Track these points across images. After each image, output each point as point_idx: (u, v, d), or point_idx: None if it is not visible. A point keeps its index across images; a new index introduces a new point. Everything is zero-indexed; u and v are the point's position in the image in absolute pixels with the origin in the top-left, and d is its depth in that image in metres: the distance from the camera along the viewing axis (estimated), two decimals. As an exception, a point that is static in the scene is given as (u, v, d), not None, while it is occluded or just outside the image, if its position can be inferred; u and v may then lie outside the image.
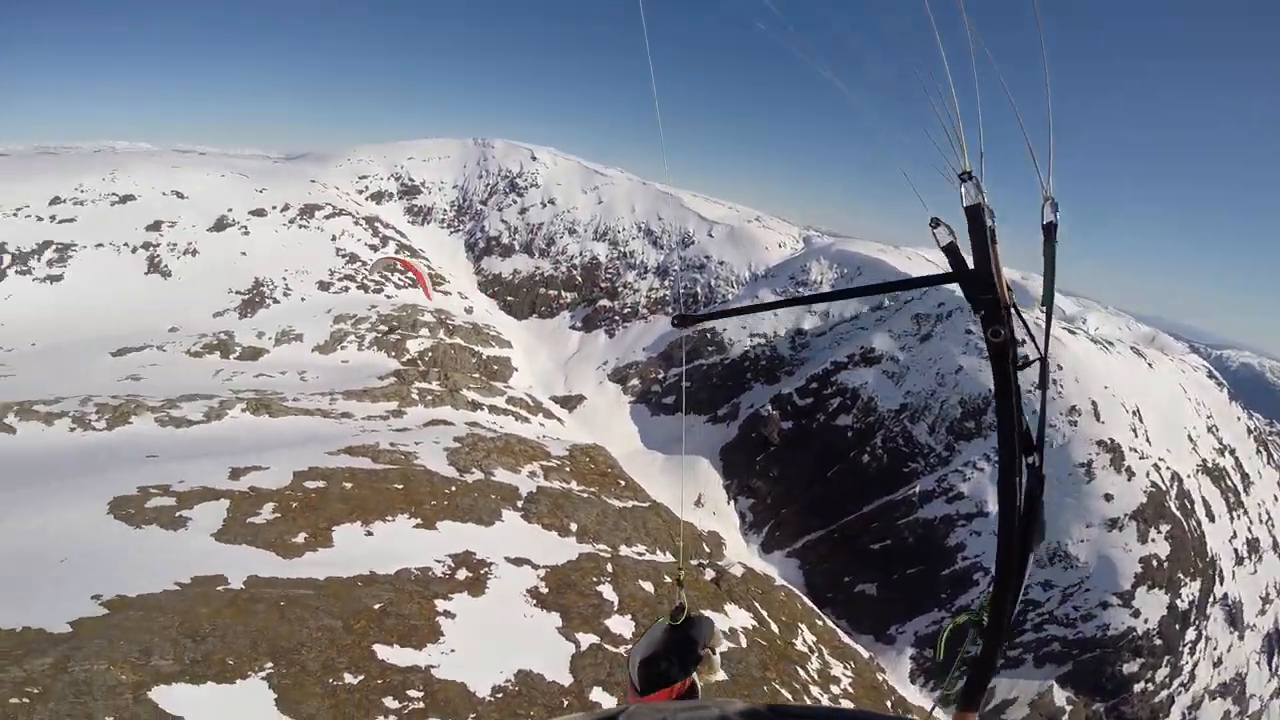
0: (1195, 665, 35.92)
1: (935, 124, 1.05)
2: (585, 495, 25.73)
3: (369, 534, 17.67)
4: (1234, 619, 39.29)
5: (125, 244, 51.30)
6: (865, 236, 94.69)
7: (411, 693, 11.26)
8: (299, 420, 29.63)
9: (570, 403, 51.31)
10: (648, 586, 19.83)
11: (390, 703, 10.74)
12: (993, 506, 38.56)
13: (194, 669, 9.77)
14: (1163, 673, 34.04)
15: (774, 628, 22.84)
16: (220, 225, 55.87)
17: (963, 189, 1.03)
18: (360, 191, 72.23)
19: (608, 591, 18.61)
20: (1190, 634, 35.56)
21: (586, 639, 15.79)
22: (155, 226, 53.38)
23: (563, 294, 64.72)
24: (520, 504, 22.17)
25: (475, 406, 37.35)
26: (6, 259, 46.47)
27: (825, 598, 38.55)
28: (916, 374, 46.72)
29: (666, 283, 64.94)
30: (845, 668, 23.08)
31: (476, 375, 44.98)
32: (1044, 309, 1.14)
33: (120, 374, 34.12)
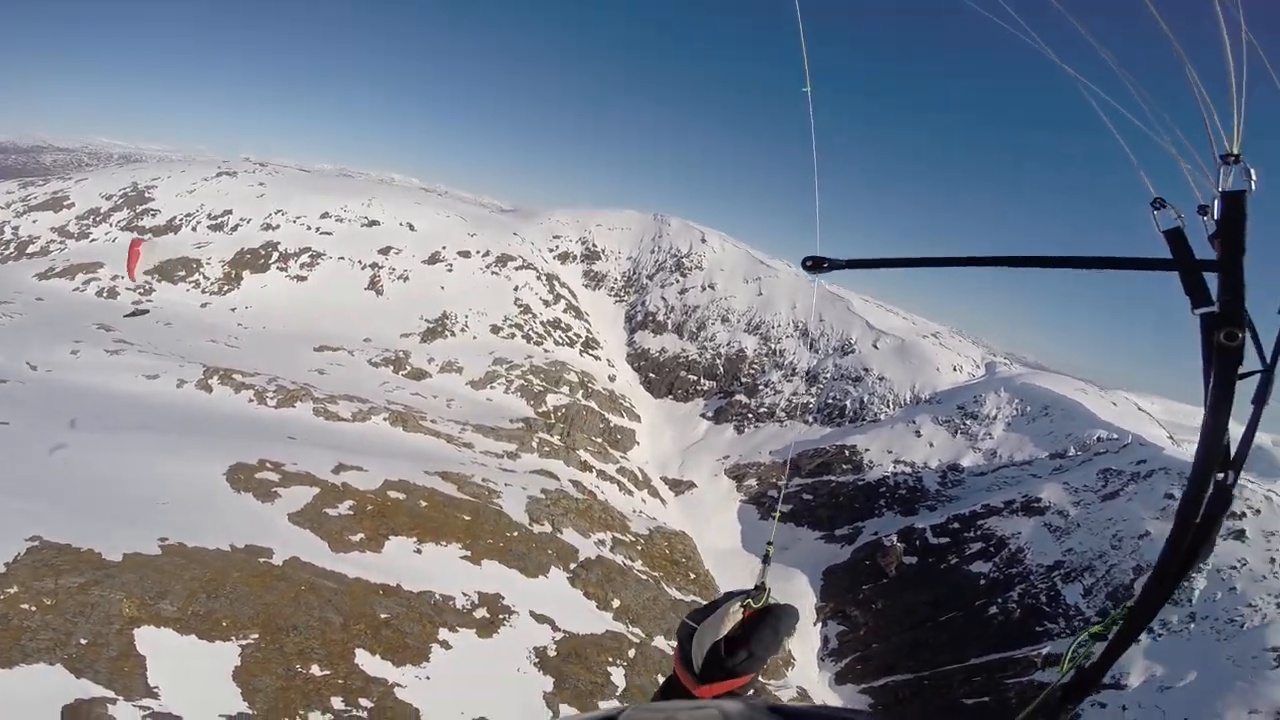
0: None
1: (1189, 98, 0.98)
2: (644, 577, 25.16)
3: (417, 551, 18.97)
4: None
5: (359, 261, 62.02)
6: (1065, 370, 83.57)
7: (364, 701, 11.74)
8: (425, 439, 32.96)
9: (680, 487, 50.63)
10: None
11: (337, 703, 11.30)
12: (1134, 681, 32.81)
13: (190, 621, 11.22)
14: None
15: None
16: (432, 259, 65.40)
17: (1222, 171, 0.95)
18: (550, 250, 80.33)
19: (618, 675, 17.91)
20: None
21: (568, 711, 15.28)
22: (385, 250, 63.95)
23: (702, 381, 65.07)
24: (573, 566, 22.35)
25: (585, 468, 38.59)
26: (275, 255, 58.83)
27: (885, 745, 33.42)
28: (1086, 532, 39.99)
29: (813, 390, 62.49)
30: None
31: (598, 440, 46.56)
32: None
33: (312, 365, 40.90)
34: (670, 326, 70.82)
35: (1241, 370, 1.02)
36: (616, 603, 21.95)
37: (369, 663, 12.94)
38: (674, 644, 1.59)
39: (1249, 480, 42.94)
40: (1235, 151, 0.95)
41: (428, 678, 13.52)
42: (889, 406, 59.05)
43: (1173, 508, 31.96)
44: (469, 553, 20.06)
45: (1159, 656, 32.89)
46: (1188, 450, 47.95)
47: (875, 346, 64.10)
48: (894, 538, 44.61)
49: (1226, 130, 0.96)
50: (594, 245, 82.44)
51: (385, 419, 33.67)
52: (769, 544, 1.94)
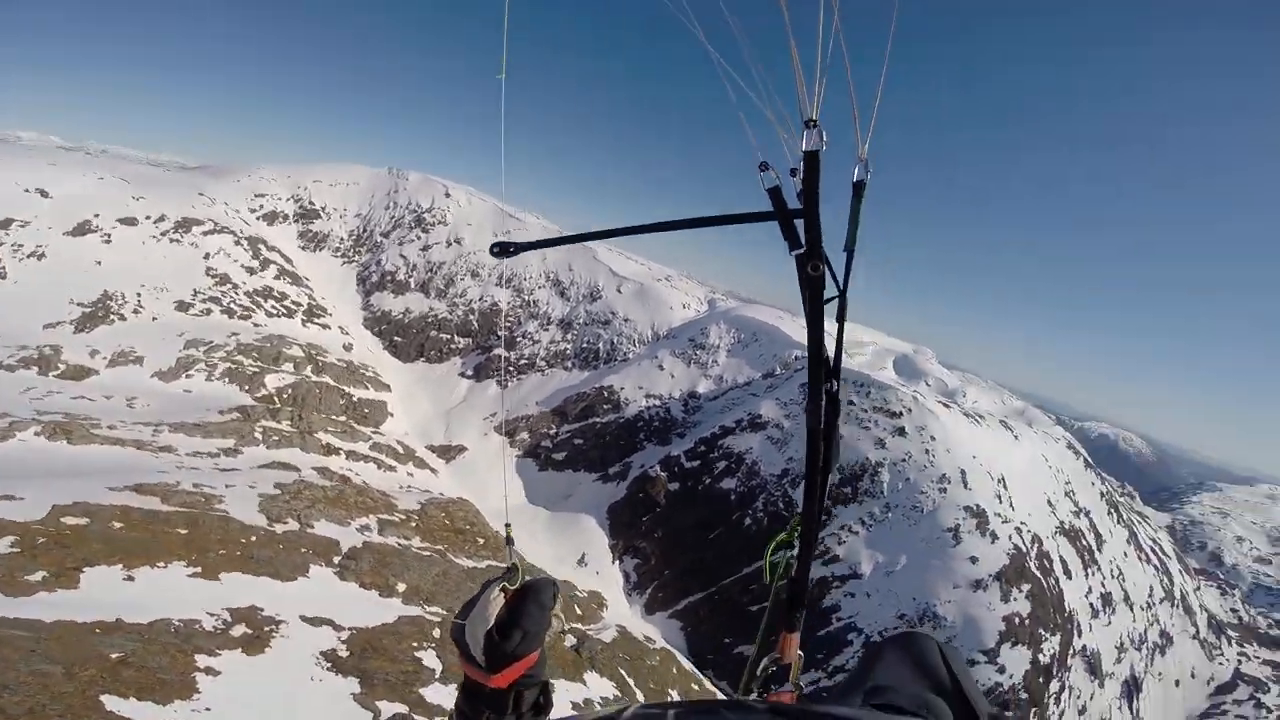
0: (1062, 715, 36.92)
1: (782, 72, 1.16)
2: (426, 553, 23.61)
3: (129, 579, 15.20)
4: (1094, 669, 40.98)
5: (-44, 240, 45.20)
6: (770, 302, 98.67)
7: (140, 748, 9.06)
8: (104, 450, 25.91)
9: (449, 453, 48.39)
10: (485, 654, 18.06)
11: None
12: (866, 570, 39.49)
13: None
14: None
15: (639, 696, 21.53)
16: (81, 230, 50.42)
17: (805, 134, 1.11)
18: (253, 210, 67.90)
19: (429, 658, 16.77)
20: (1054, 685, 36.71)
21: (390, 708, 13.93)
22: (4, 224, 47.53)
23: (456, 339, 62.30)
24: (337, 560, 19.93)
25: (330, 451, 34.29)
26: None
27: (707, 659, 37.34)
28: (799, 440, 47.50)
29: (569, 336, 64.10)
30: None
31: (340, 418, 41.69)
32: (846, 252, 1.26)
33: (-108, 382, 28.98)
34: (414, 285, 65.94)
35: (826, 295, 1.26)
36: (402, 586, 20.30)
37: (125, 707, 10.41)
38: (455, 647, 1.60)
39: (900, 384, 54.89)
40: (814, 117, 1.12)
41: (208, 709, 11.27)
42: (635, 345, 63.42)
43: (855, 410, 39.30)
44: (198, 569, 16.64)
45: (877, 545, 40.47)
46: (859, 361, 60.41)
47: (619, 291, 67.86)
48: (657, 468, 48.68)
49: (811, 100, 1.12)
50: (311, 203, 71.89)
51: (38, 433, 25.68)
52: (507, 525, 1.94)
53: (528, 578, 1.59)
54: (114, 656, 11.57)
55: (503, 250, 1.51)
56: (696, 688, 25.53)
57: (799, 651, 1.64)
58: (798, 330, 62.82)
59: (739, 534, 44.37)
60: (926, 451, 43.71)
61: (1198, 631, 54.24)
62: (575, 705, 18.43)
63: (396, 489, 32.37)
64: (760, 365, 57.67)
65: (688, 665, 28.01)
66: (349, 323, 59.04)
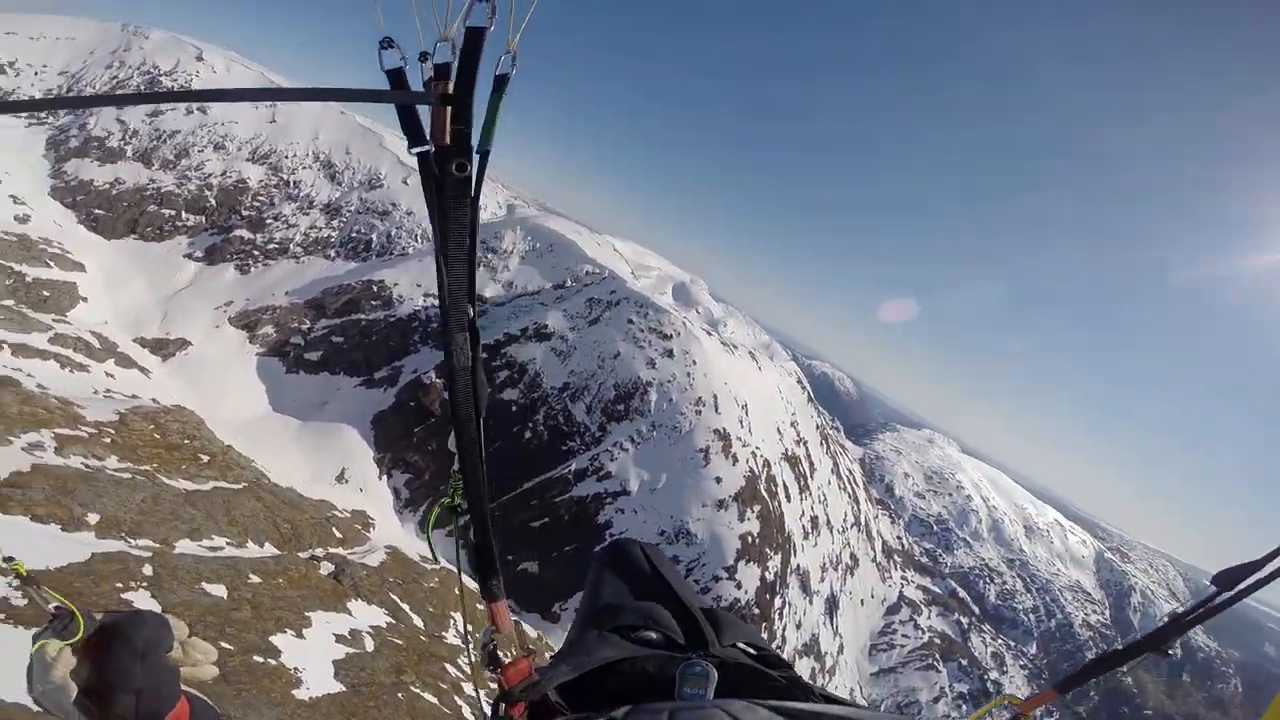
0: (784, 629, 41.27)
1: None
2: (127, 475, 19.68)
3: None
4: (805, 586, 45.82)
5: None
6: (572, 215, 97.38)
7: None
8: None
9: (166, 348, 40.24)
10: (217, 590, 15.74)
11: None
12: (634, 485, 40.47)
13: None
14: (764, 638, 39.30)
15: (417, 621, 20.58)
16: None
17: (474, 8, 0.95)
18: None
19: (143, 599, 14.13)
20: (778, 601, 40.48)
21: None
22: None
23: (184, 215, 51.44)
24: (-4, 487, 15.59)
25: (-8, 346, 26.45)
26: None
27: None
28: (582, 354, 47.63)
29: (335, 223, 56.43)
30: (508, 652, 22.15)
31: (7, 301, 32.28)
32: (479, 154, 1.05)
33: None
34: (131, 154, 53.41)
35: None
36: (94, 518, 16.71)
37: None
38: None
39: (675, 309, 57.10)
40: None
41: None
42: (416, 240, 58.45)
43: (633, 330, 40.08)
44: None
45: (643, 464, 41.29)
46: (644, 284, 61.90)
47: (405, 183, 61.75)
48: (432, 374, 45.95)
49: None
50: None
51: None
52: (8, 559, 1.41)
53: (99, 618, 1.21)
54: None
55: None
56: (481, 606, 25.29)
57: (513, 618, 1.53)
58: (593, 247, 62.79)
59: (519, 448, 43.87)
60: (688, 374, 45.35)
61: (875, 556, 63.58)
62: (339, 637, 17.19)
63: (90, 394, 26.37)
64: (552, 276, 56.87)
65: (472, 584, 27.55)
66: (27, 191, 45.62)
